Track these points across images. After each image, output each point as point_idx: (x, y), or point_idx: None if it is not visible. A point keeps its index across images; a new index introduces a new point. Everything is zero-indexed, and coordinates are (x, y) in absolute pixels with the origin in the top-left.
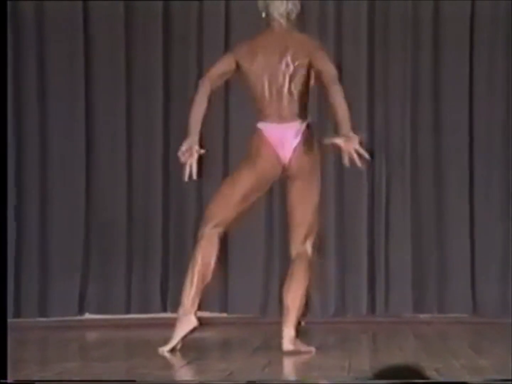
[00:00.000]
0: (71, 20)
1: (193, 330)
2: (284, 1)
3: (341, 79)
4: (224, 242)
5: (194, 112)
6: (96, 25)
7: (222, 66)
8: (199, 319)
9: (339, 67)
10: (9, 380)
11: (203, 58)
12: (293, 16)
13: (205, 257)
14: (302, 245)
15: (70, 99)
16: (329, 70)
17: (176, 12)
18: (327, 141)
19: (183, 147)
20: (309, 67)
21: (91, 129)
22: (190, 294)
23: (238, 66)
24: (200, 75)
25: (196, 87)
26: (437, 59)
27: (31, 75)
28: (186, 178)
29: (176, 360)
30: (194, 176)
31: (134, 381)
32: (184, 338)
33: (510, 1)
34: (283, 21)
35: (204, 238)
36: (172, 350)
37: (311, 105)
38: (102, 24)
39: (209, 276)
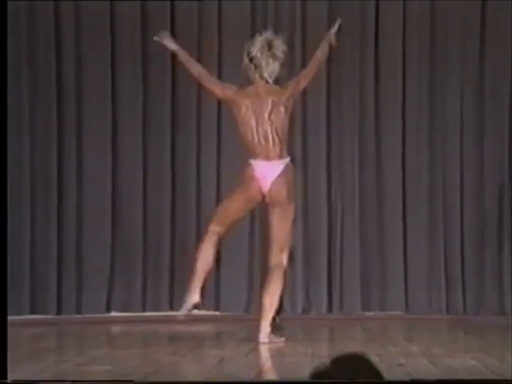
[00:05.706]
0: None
1: (196, 305)
2: (272, 64)
3: None
4: (218, 256)
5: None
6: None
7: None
8: (201, 299)
9: None
10: (9, 380)
11: None
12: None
13: (207, 248)
14: (278, 257)
15: (99, 123)
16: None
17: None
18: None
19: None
20: (289, 101)
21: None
22: (196, 275)
23: (228, 102)
24: None
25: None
26: (378, 112)
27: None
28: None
29: (179, 348)
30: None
31: (133, 381)
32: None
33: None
34: (270, 80)
35: (208, 234)
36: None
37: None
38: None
39: (210, 265)
